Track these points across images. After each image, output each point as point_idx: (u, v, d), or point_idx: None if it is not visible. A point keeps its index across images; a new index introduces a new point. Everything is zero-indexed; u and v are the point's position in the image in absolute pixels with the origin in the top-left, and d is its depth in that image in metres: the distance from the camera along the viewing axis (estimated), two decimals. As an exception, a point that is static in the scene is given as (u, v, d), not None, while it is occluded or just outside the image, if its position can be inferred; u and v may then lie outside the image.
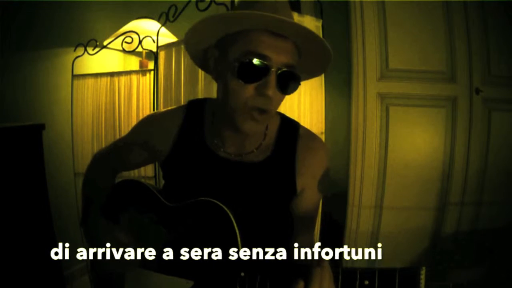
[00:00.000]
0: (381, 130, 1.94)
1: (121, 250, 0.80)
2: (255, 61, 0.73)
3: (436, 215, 1.99)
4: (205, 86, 1.65)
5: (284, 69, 0.75)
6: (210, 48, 0.82)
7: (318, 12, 1.98)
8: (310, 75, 0.89)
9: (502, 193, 1.98)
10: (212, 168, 0.87)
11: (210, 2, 1.62)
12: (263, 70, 0.73)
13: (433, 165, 1.96)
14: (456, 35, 1.92)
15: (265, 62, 0.73)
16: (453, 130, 1.95)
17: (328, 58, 0.80)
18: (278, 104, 0.80)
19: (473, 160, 1.96)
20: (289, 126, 0.92)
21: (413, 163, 1.96)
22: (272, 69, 0.74)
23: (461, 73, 1.93)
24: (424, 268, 0.62)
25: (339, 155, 2.06)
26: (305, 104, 1.78)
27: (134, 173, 1.89)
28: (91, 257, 0.98)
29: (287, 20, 0.71)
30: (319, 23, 1.84)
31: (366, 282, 0.64)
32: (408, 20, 1.91)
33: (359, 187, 1.95)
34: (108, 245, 0.80)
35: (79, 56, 2.07)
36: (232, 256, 0.73)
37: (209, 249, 0.76)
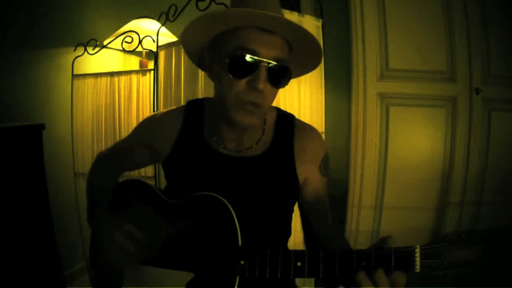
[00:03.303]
0: (381, 130, 1.94)
1: (128, 244, 0.80)
2: (245, 56, 0.75)
3: (436, 215, 1.99)
4: (205, 86, 1.65)
5: (274, 63, 0.76)
6: (204, 49, 0.85)
7: (318, 12, 1.98)
8: (304, 69, 0.91)
9: (502, 193, 1.98)
10: (213, 164, 0.89)
11: (210, 2, 1.62)
12: (253, 65, 0.75)
13: (433, 165, 1.96)
14: (456, 35, 1.92)
15: (254, 57, 0.75)
16: (453, 130, 1.95)
17: (318, 52, 0.83)
18: (271, 98, 0.82)
19: (473, 160, 1.96)
20: (285, 119, 0.94)
21: (413, 163, 1.96)
22: (262, 64, 0.75)
23: (461, 73, 1.93)
24: (418, 246, 0.63)
25: (339, 155, 2.06)
26: (305, 104, 1.77)
27: (134, 173, 1.89)
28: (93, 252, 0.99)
29: (273, 15, 0.73)
30: (319, 23, 1.84)
31: (363, 263, 0.65)
32: (408, 20, 1.91)
33: (359, 187, 1.95)
34: (116, 238, 0.80)
35: (79, 56, 2.07)
36: (232, 248, 0.74)
37: (209, 242, 0.77)
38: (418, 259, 0.62)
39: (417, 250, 0.62)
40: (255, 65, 0.75)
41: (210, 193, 0.80)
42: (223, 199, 0.78)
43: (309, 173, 0.91)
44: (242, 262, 0.72)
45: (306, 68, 0.91)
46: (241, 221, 0.77)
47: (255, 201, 0.87)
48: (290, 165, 0.90)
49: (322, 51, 0.83)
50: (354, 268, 0.65)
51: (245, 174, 0.88)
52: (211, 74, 0.85)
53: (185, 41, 0.86)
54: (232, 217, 0.76)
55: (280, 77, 0.79)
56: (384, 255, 0.64)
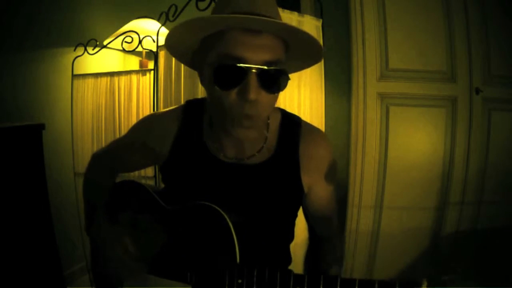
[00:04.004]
0: (381, 130, 1.94)
1: (129, 257, 0.80)
2: (229, 64, 0.67)
3: (436, 215, 1.99)
4: (205, 86, 1.65)
5: (265, 67, 0.68)
6: (194, 52, 0.79)
7: (318, 12, 1.98)
8: (304, 64, 0.84)
9: (502, 193, 1.98)
10: (213, 171, 0.84)
11: (210, 2, 1.62)
12: (240, 73, 0.67)
13: (433, 165, 1.96)
14: (456, 35, 1.92)
15: (240, 64, 0.66)
16: (453, 130, 1.95)
17: (315, 47, 0.74)
18: (269, 105, 0.74)
19: (473, 160, 1.96)
20: (291, 122, 0.87)
21: (413, 163, 1.96)
22: (252, 70, 0.67)
23: (461, 73, 1.93)
24: (425, 280, 0.59)
25: (339, 156, 2.05)
26: (305, 105, 1.77)
27: (134, 173, 1.88)
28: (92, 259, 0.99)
29: (253, 18, 0.65)
30: (319, 23, 1.84)
31: None
32: (408, 20, 1.91)
33: (359, 187, 1.95)
34: (115, 251, 0.80)
35: (79, 56, 2.07)
36: (230, 264, 0.71)
37: (206, 256, 0.75)
38: None
39: (424, 285, 0.59)
40: (243, 73, 0.67)
41: (209, 204, 0.76)
42: (222, 212, 0.74)
43: (314, 181, 0.85)
44: (239, 281, 0.70)
45: (306, 62, 0.83)
46: (242, 228, 0.73)
47: (257, 210, 0.83)
48: (295, 173, 0.83)
49: (320, 45, 0.74)
50: None
51: (247, 183, 0.83)
52: (202, 79, 0.78)
53: (169, 47, 0.79)
54: (231, 232, 0.72)
55: (275, 81, 0.70)
56: (388, 287, 0.61)
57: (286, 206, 0.87)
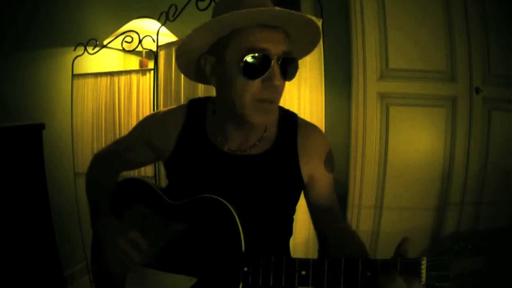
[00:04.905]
0: (381, 130, 1.94)
1: (132, 250, 0.80)
2: (258, 56, 0.75)
3: (436, 215, 1.99)
4: (205, 86, 1.65)
5: (284, 56, 0.78)
6: (202, 56, 0.84)
7: (318, 11, 1.98)
8: (304, 53, 0.92)
9: (502, 193, 1.98)
10: (218, 163, 0.88)
11: (210, 2, 1.62)
12: (266, 63, 0.76)
13: (433, 165, 1.96)
14: (456, 35, 1.92)
15: (266, 55, 0.76)
16: (453, 130, 1.95)
17: (318, 34, 0.85)
18: (283, 91, 0.83)
19: (473, 160, 1.96)
20: (288, 117, 0.94)
21: (413, 163, 1.96)
22: (273, 60, 0.76)
23: (461, 73, 1.93)
24: (425, 258, 0.62)
25: (339, 155, 2.06)
26: (305, 104, 1.77)
27: (134, 173, 1.88)
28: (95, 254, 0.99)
29: (282, 10, 0.74)
30: (319, 23, 1.84)
31: (368, 273, 0.64)
32: (408, 19, 1.91)
33: (359, 187, 1.95)
34: (120, 244, 0.80)
35: (79, 56, 2.07)
36: (235, 252, 0.73)
37: (212, 246, 0.76)
38: (424, 270, 0.61)
39: (423, 262, 0.62)
40: (268, 63, 0.76)
41: (213, 196, 0.79)
42: (227, 203, 0.77)
43: (314, 170, 0.90)
44: (245, 269, 0.72)
45: (306, 51, 0.92)
46: (245, 221, 0.76)
47: (260, 199, 0.87)
48: (294, 163, 0.89)
49: (321, 31, 0.84)
50: (359, 278, 0.64)
51: (250, 172, 0.87)
52: (213, 80, 0.84)
53: (181, 56, 0.85)
54: (236, 222, 0.75)
55: (289, 68, 0.80)
56: (390, 266, 0.63)
57: (287, 195, 0.91)
